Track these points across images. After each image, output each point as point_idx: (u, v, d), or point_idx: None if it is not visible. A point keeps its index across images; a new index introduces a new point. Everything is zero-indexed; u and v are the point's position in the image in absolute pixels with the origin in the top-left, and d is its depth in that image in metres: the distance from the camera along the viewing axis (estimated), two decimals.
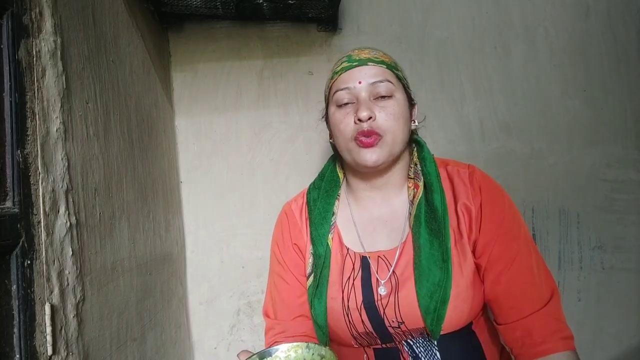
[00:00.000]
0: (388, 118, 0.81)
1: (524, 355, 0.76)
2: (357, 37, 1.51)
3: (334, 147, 0.94)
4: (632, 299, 1.46)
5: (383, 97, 0.82)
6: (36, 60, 0.69)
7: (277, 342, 0.86)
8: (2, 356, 0.59)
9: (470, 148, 1.50)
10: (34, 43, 0.68)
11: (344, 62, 0.86)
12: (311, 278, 0.88)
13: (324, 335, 0.86)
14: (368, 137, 0.80)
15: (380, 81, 0.82)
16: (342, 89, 0.84)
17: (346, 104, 0.84)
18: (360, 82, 0.82)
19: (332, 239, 0.89)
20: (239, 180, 1.51)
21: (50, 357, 0.66)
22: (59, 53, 0.75)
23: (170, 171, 1.41)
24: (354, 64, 0.84)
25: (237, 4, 1.28)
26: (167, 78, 1.47)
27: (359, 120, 0.80)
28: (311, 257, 0.89)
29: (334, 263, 0.88)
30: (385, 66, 0.84)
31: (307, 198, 0.96)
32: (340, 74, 0.85)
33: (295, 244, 0.94)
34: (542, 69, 1.50)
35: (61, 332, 0.69)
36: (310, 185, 0.99)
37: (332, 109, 0.87)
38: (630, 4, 1.49)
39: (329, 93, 0.89)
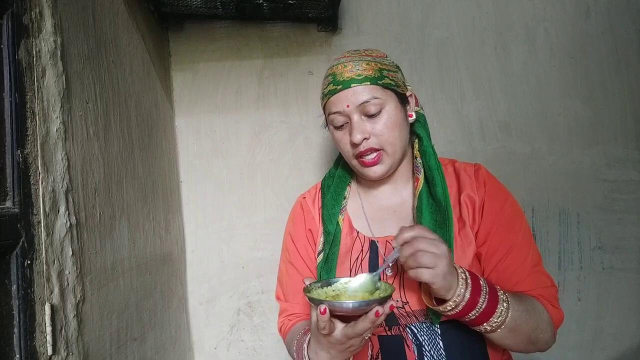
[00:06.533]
0: (383, 132, 0.85)
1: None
2: (357, 37, 1.51)
3: None
4: (632, 299, 1.46)
5: (372, 115, 0.85)
6: (36, 60, 0.69)
7: (289, 321, 0.97)
8: (2, 356, 0.59)
9: (470, 148, 1.50)
10: (34, 43, 0.68)
11: (330, 82, 0.88)
12: (321, 255, 0.92)
13: None
14: (369, 155, 0.85)
15: (367, 101, 0.84)
16: (333, 113, 0.87)
17: (342, 125, 0.88)
18: (348, 106, 0.85)
19: (342, 219, 0.94)
20: (239, 180, 1.51)
21: (50, 357, 0.66)
22: (59, 53, 0.75)
23: (170, 171, 1.41)
24: (339, 87, 0.86)
25: (237, 4, 1.28)
26: (167, 78, 1.47)
27: (354, 144, 0.85)
28: (322, 237, 0.94)
29: (343, 245, 0.93)
30: (369, 82, 0.85)
31: (321, 185, 1.02)
32: (329, 97, 0.88)
33: (309, 229, 0.99)
34: (542, 69, 1.50)
35: (61, 332, 0.69)
36: (326, 174, 1.04)
37: (331, 127, 0.92)
38: (630, 4, 1.49)
39: (324, 111, 0.93)
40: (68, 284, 0.72)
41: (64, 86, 0.76)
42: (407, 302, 0.83)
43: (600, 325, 1.47)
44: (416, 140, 0.95)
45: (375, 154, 0.85)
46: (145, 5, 1.26)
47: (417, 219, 0.86)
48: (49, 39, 0.72)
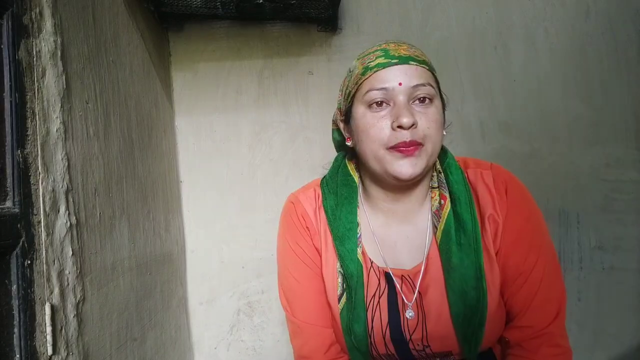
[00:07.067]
0: (430, 126, 0.72)
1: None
2: (357, 37, 1.51)
3: (343, 138, 0.85)
4: (632, 299, 1.46)
5: (423, 102, 0.73)
6: (36, 60, 0.69)
7: None
8: (2, 356, 0.59)
9: (470, 148, 1.50)
10: (34, 43, 0.68)
11: (379, 56, 0.74)
12: (343, 300, 0.79)
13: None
14: (408, 146, 0.71)
15: (423, 84, 0.72)
16: (377, 89, 0.72)
17: (380, 105, 0.73)
18: (400, 84, 0.72)
19: (360, 253, 0.80)
20: (239, 181, 1.51)
21: (50, 357, 0.66)
22: (59, 53, 0.75)
23: (170, 171, 1.41)
24: (394, 61, 0.73)
25: (237, 4, 1.28)
26: (167, 78, 1.47)
27: (399, 127, 0.70)
28: (340, 277, 0.81)
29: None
30: (427, 67, 0.75)
31: (323, 205, 0.85)
32: (377, 71, 0.73)
33: (317, 248, 0.85)
34: (542, 69, 1.50)
35: (61, 332, 0.69)
36: (322, 185, 0.88)
37: (361, 109, 0.75)
38: (630, 4, 1.49)
39: (357, 90, 0.76)
40: (68, 284, 0.72)
41: (64, 86, 0.76)
42: (429, 346, 0.77)
43: (600, 325, 1.47)
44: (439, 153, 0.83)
45: (413, 147, 0.71)
46: (145, 5, 1.26)
47: (444, 243, 0.76)
48: (49, 39, 0.72)
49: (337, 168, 0.87)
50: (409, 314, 0.77)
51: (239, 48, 1.51)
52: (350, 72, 0.80)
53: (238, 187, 1.51)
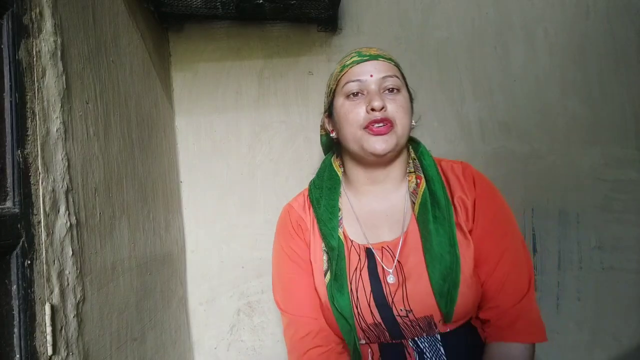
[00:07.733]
0: (398, 109, 0.86)
1: (492, 334, 0.84)
2: (357, 37, 1.51)
3: (330, 141, 1.00)
4: (632, 299, 1.46)
5: (391, 91, 0.87)
6: (36, 60, 0.69)
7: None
8: (2, 356, 0.59)
9: (470, 148, 1.50)
10: (34, 43, 0.68)
11: (354, 56, 0.90)
12: (328, 275, 0.88)
13: (352, 329, 0.84)
14: (380, 125, 0.84)
15: (390, 76, 0.87)
16: (353, 81, 0.87)
17: (356, 95, 0.87)
18: (371, 76, 0.87)
19: (341, 232, 0.91)
20: (239, 180, 1.51)
21: (50, 357, 0.66)
22: (59, 53, 0.75)
23: (170, 171, 1.41)
24: (365, 58, 0.88)
25: (237, 4, 1.28)
26: (167, 78, 1.47)
27: (372, 109, 0.84)
28: (325, 255, 0.91)
29: None
30: (393, 63, 0.90)
31: (309, 197, 0.98)
32: (352, 67, 0.89)
33: (303, 233, 0.96)
34: (542, 69, 1.50)
35: (61, 332, 0.69)
36: (310, 185, 1.00)
37: (340, 100, 0.90)
38: (630, 4, 1.49)
39: (337, 85, 0.92)
40: (68, 284, 0.72)
41: (64, 86, 0.76)
42: (411, 310, 0.82)
43: (599, 325, 1.47)
44: (411, 145, 0.97)
45: (387, 125, 0.85)
46: (145, 5, 1.26)
47: (421, 215, 0.86)
48: (49, 39, 0.72)
49: (324, 169, 1.00)
50: (390, 279, 0.85)
51: (239, 48, 1.51)
52: (331, 74, 0.96)
53: (238, 187, 1.51)
